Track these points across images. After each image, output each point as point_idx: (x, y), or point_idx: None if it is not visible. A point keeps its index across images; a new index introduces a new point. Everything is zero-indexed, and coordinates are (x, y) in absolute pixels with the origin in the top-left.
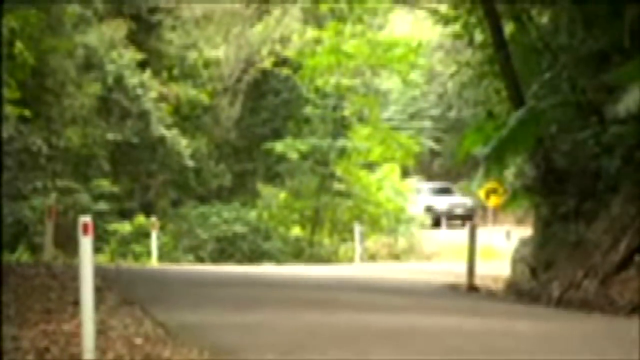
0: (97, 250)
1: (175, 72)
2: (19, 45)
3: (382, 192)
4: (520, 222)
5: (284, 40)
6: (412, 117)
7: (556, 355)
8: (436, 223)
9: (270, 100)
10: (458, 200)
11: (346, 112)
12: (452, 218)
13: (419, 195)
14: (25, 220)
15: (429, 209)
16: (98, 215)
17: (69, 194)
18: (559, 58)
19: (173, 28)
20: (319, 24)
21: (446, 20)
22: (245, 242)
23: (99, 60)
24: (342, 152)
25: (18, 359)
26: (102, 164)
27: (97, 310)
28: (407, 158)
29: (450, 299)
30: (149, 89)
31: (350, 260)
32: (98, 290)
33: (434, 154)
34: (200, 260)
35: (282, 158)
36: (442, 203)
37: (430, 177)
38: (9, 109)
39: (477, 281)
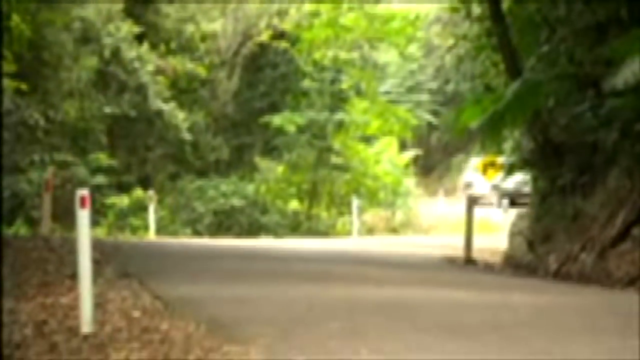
0: (94, 223)
1: (173, 45)
2: (15, 17)
3: (379, 166)
4: None
5: (282, 14)
6: (410, 90)
7: (553, 327)
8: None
9: (267, 73)
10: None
11: (344, 86)
12: (520, 197)
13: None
14: (23, 193)
15: (495, 188)
16: (96, 189)
17: (67, 167)
18: (556, 31)
19: (170, 1)
20: None
21: None
22: (243, 216)
23: (96, 34)
24: (340, 126)
25: (16, 332)
26: (99, 137)
27: (95, 283)
28: (405, 131)
29: (448, 272)
30: (146, 62)
31: (348, 233)
32: (96, 264)
33: (431, 127)
34: (197, 233)
35: (279, 131)
36: (508, 182)
37: (428, 151)
38: (6, 82)
39: (475, 254)
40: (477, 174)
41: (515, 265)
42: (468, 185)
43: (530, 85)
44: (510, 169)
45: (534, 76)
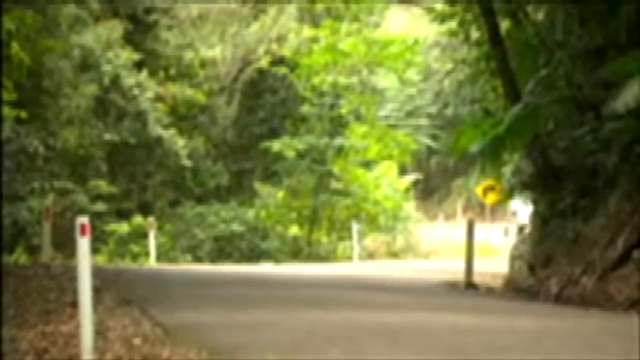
0: (95, 250)
1: (172, 72)
2: (15, 46)
3: (379, 190)
4: None
5: (281, 39)
6: (409, 114)
7: (555, 351)
8: None
9: (267, 99)
10: None
11: (343, 111)
12: None
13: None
14: (23, 221)
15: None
16: (96, 216)
17: (67, 194)
18: (555, 54)
19: (169, 28)
20: (315, 23)
21: (442, 18)
22: (243, 242)
23: (95, 61)
24: (340, 151)
25: None
26: (99, 164)
27: (96, 310)
28: (404, 156)
29: (449, 296)
30: (146, 89)
31: (349, 258)
32: (96, 291)
33: (431, 151)
34: (198, 260)
35: (279, 157)
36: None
37: (427, 175)
38: (6, 111)
39: (476, 278)
40: (520, 202)
41: (516, 289)
42: (514, 214)
43: (529, 109)
44: (510, 193)
45: (533, 100)
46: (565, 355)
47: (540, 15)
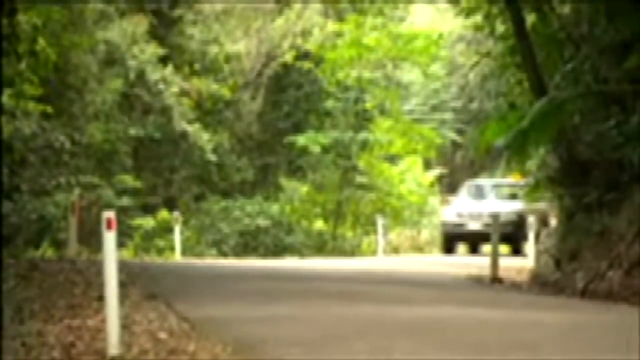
0: (120, 245)
1: (197, 66)
2: (41, 41)
3: (404, 185)
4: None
5: (305, 34)
6: (434, 109)
7: (582, 346)
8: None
9: (291, 93)
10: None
11: (367, 105)
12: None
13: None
14: (49, 216)
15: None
16: (121, 211)
17: (92, 189)
18: (581, 48)
19: (194, 23)
20: (340, 17)
21: (467, 12)
22: (268, 236)
23: (120, 56)
24: (364, 145)
25: (44, 355)
26: (124, 159)
27: (122, 305)
28: (429, 150)
29: (474, 290)
30: (171, 84)
31: (374, 253)
32: (122, 285)
33: (456, 145)
34: (223, 254)
35: (304, 151)
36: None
37: (452, 170)
38: (31, 106)
39: (501, 273)
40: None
41: (542, 283)
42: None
43: (555, 103)
44: (535, 187)
45: (559, 94)
46: (596, 352)
47: (566, 9)
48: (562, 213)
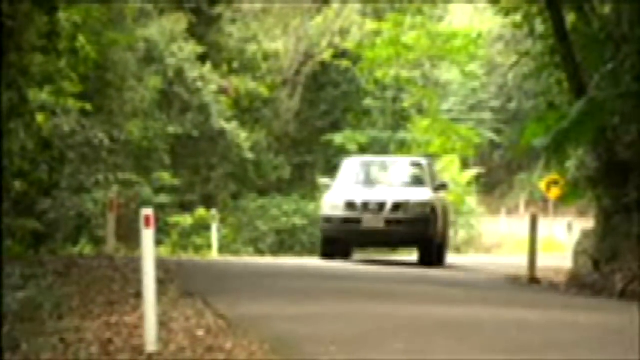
0: (158, 242)
1: (235, 65)
2: (81, 39)
3: None
4: (581, 214)
5: (343, 33)
6: (472, 108)
7: (619, 348)
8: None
9: (329, 92)
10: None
11: (405, 104)
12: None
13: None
14: (88, 213)
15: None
16: (159, 208)
17: (131, 186)
18: (621, 48)
19: (233, 21)
20: (379, 16)
21: (506, 11)
22: (304, 235)
23: (159, 54)
24: (402, 144)
25: (82, 351)
26: (162, 156)
27: (159, 302)
28: (467, 149)
29: (512, 291)
30: (209, 82)
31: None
32: (160, 283)
33: (494, 145)
34: (260, 252)
35: (341, 150)
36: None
37: (490, 169)
38: (71, 103)
39: (539, 273)
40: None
41: (580, 284)
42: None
43: (594, 103)
44: (574, 188)
45: (599, 94)
46: (633, 354)
47: (606, 9)
48: (600, 214)
